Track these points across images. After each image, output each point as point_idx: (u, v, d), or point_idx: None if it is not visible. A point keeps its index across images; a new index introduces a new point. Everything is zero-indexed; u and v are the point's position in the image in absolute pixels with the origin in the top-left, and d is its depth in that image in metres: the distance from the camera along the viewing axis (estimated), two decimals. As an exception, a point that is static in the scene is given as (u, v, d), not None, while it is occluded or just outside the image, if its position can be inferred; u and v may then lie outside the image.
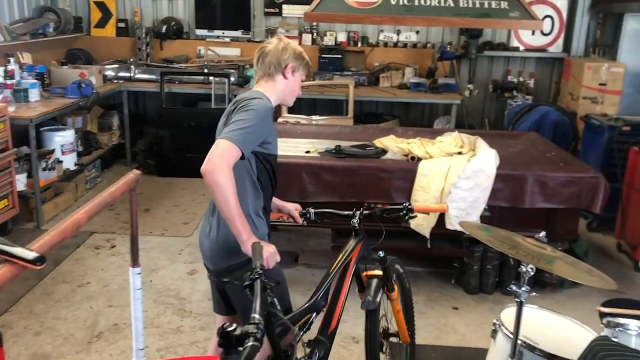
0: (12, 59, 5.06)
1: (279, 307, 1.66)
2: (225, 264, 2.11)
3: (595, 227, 4.95)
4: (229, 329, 1.28)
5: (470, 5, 4.15)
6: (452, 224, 3.50)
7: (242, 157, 1.91)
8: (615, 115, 5.18)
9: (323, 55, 6.43)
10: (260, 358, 1.87)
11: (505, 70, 6.71)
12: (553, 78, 6.70)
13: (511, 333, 2.09)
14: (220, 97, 6.02)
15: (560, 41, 6.57)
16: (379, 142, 3.96)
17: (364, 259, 2.30)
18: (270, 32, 6.58)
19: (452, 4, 4.15)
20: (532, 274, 1.97)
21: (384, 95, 6.12)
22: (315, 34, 6.65)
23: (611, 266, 4.28)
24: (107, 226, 4.72)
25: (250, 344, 1.27)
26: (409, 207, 2.30)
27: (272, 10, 6.68)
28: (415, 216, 2.35)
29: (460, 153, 3.79)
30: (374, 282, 2.27)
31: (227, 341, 1.28)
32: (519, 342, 2.07)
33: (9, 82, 4.97)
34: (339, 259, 2.16)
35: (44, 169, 4.80)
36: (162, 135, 6.11)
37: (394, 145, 3.87)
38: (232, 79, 6.03)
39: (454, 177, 3.49)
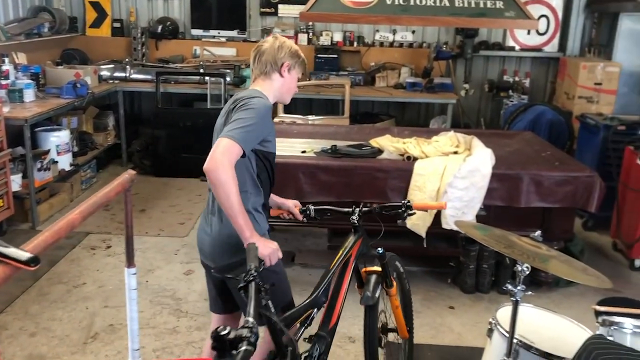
0: (6, 59, 5.05)
1: (273, 310, 1.66)
2: (227, 261, 2.12)
3: (591, 226, 4.96)
4: (223, 333, 1.28)
5: (466, 4, 4.15)
6: (448, 223, 3.51)
7: (243, 155, 1.94)
8: (610, 114, 5.20)
9: (319, 55, 6.43)
10: (262, 353, 1.88)
11: (501, 69, 6.72)
12: (549, 77, 6.72)
13: (507, 332, 2.10)
14: (216, 97, 6.01)
15: (556, 41, 6.59)
16: (375, 142, 3.97)
17: (363, 255, 2.32)
18: (266, 32, 6.57)
19: (447, 4, 4.15)
20: (527, 273, 1.99)
21: (380, 95, 6.12)
22: (311, 34, 6.65)
23: (607, 265, 4.29)
24: (102, 227, 4.71)
25: (243, 348, 1.27)
26: (408, 204, 2.32)
27: (267, 10, 6.67)
28: (414, 213, 2.37)
29: (456, 152, 3.79)
30: (373, 278, 2.30)
31: (221, 344, 1.28)
32: (514, 341, 2.08)
33: (3, 82, 4.96)
34: (338, 255, 2.18)
35: (39, 170, 4.78)
36: (157, 136, 6.10)
37: (390, 145, 3.88)
38: (228, 79, 6.02)
39: (450, 177, 3.49)
